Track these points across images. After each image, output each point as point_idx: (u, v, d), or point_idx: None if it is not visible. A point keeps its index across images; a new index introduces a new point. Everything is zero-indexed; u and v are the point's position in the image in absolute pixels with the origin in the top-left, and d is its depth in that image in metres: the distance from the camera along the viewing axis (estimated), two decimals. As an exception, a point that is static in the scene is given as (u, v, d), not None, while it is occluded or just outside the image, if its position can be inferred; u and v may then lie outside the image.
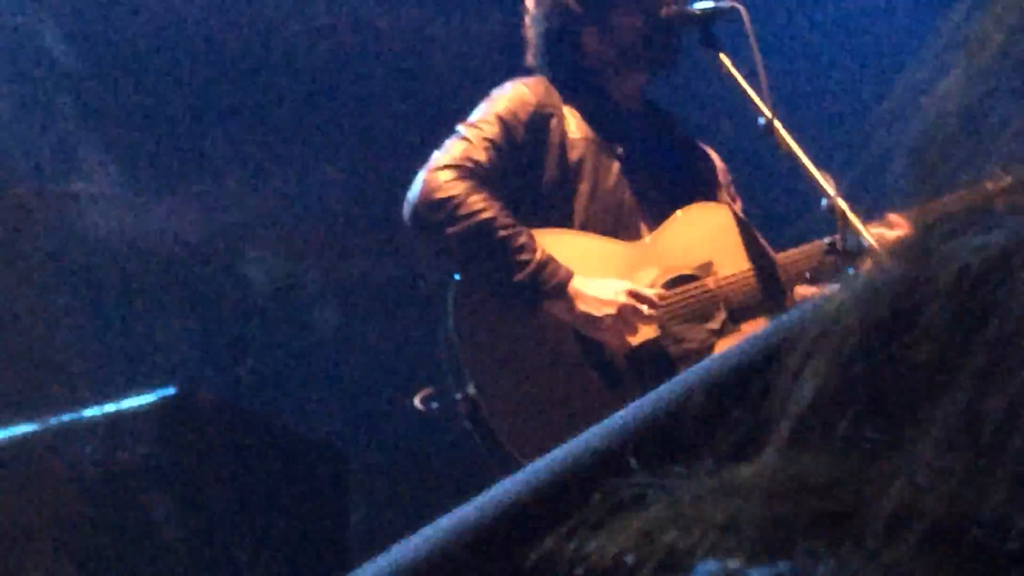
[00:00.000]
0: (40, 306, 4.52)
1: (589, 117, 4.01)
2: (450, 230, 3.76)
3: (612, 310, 3.75)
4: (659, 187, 4.03)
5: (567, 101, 4.02)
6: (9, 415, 4.23)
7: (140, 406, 3.88)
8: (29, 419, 4.04)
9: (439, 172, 3.82)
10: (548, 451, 3.50)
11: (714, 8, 3.91)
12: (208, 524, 3.90)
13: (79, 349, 5.54)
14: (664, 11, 3.97)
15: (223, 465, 3.94)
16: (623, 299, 3.76)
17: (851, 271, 3.59)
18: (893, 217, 3.60)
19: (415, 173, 3.87)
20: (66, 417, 3.98)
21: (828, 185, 3.56)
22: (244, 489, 3.99)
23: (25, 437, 4.02)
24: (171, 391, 3.89)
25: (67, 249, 5.85)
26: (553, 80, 4.05)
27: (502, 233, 3.75)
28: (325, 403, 6.03)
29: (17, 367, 4.98)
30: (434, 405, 3.80)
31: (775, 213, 4.45)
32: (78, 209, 4.37)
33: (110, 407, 3.92)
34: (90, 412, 3.95)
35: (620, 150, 4.01)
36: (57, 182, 4.39)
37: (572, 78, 4.06)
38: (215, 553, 3.91)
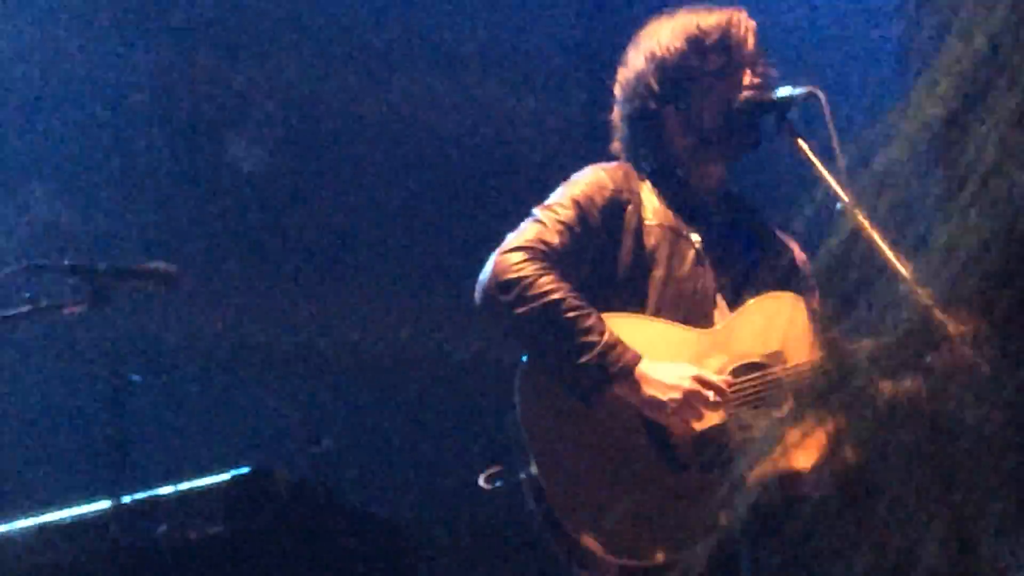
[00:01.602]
0: (116, 384, 4.57)
1: (667, 203, 4.01)
2: (518, 311, 3.77)
3: (678, 395, 3.73)
4: (734, 276, 4.01)
5: (646, 187, 4.02)
6: (83, 492, 4.26)
7: (214, 484, 3.89)
8: (103, 496, 4.07)
9: (511, 254, 3.83)
10: (609, 534, 3.45)
11: (791, 95, 3.90)
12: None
13: (156, 427, 5.58)
14: (741, 97, 3.97)
15: (295, 543, 3.94)
16: (689, 384, 3.74)
17: (927, 360, 3.55)
18: (966, 314, 3.55)
19: (490, 253, 3.88)
20: (139, 495, 4.00)
21: (907, 272, 3.52)
22: (315, 568, 3.99)
23: (99, 514, 4.04)
24: (245, 469, 3.90)
25: (145, 328, 5.91)
26: (634, 165, 4.06)
27: (570, 315, 3.75)
28: (398, 481, 6.03)
29: (92, 445, 5.02)
30: (498, 483, 3.79)
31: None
32: (157, 288, 4.41)
33: (184, 485, 3.94)
34: (163, 490, 3.97)
35: (697, 237, 3.99)
36: (137, 261, 4.44)
37: (653, 163, 4.07)
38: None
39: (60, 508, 4.21)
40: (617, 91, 4.14)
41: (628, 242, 3.94)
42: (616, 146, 4.15)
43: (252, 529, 3.88)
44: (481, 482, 3.80)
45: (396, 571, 4.28)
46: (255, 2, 6.41)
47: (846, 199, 3.77)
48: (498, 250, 3.86)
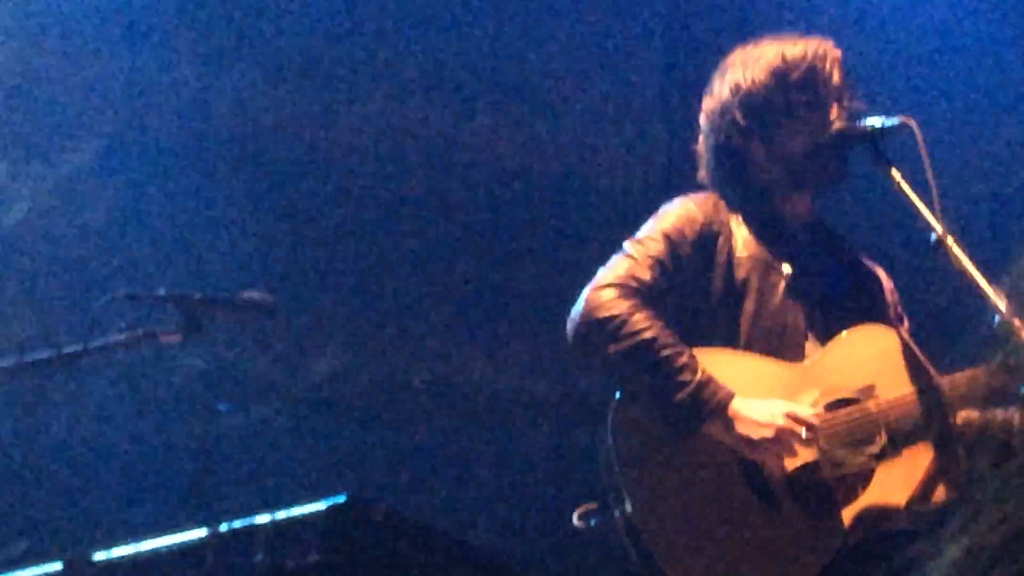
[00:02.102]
0: (205, 414, 4.61)
1: (757, 235, 3.99)
2: (612, 348, 3.77)
3: (770, 433, 3.72)
4: (825, 307, 3.99)
5: (735, 218, 4.01)
6: (179, 520, 4.29)
7: (310, 513, 3.91)
8: (199, 524, 4.10)
9: (603, 291, 3.82)
10: (704, 571, 3.46)
11: (884, 125, 3.88)
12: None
13: (250, 456, 5.62)
14: (832, 128, 3.94)
15: (391, 574, 3.96)
16: (781, 422, 3.73)
17: (1022, 390, 3.54)
18: None
19: (578, 288, 3.89)
20: (236, 523, 4.02)
21: (1001, 303, 3.50)
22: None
23: (195, 543, 4.07)
24: (342, 499, 3.91)
25: (236, 358, 5.96)
26: (722, 196, 4.05)
27: (664, 353, 3.74)
28: (491, 514, 6.03)
29: (182, 472, 5.06)
30: (592, 522, 3.79)
31: (943, 332, 4.40)
32: (252, 318, 4.45)
33: (280, 514, 3.96)
34: (260, 518, 3.99)
35: (787, 269, 3.98)
36: (228, 291, 4.48)
37: (741, 195, 4.05)
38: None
39: (154, 536, 4.24)
40: (702, 120, 4.11)
41: (719, 274, 3.93)
42: (703, 175, 4.14)
43: (348, 559, 3.89)
44: (575, 520, 3.81)
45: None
46: (340, 34, 6.46)
47: (940, 229, 3.76)
48: (590, 287, 3.86)
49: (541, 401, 6.30)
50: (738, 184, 4.06)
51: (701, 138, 4.13)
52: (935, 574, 1.28)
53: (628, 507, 3.73)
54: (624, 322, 3.77)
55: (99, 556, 4.23)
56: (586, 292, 3.86)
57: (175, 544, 4.12)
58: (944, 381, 3.89)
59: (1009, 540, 1.22)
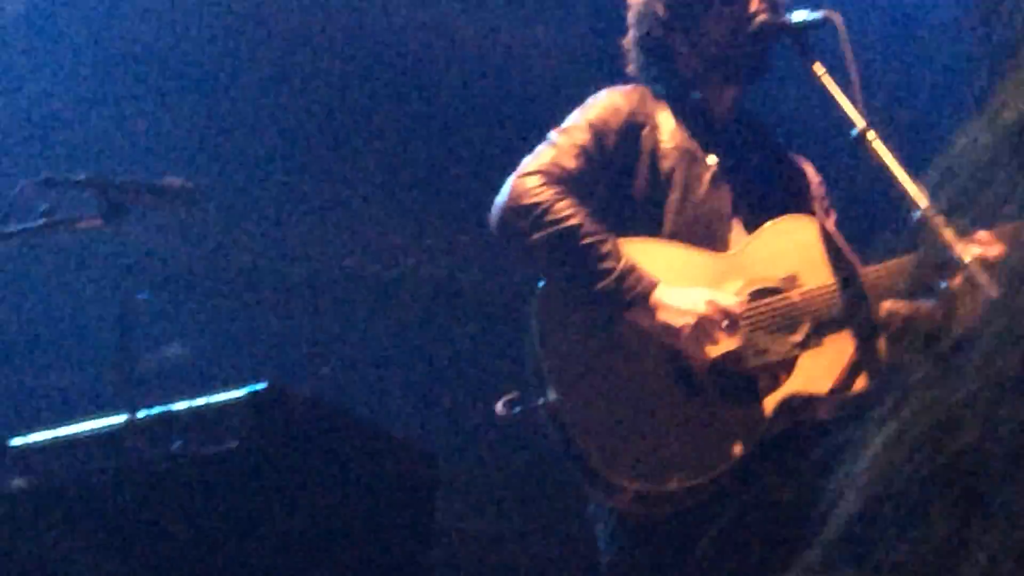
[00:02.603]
0: (125, 301, 4.58)
1: (683, 126, 4.01)
2: (535, 236, 3.77)
3: (691, 320, 3.72)
4: (751, 198, 4.01)
5: (662, 109, 4.02)
6: (99, 407, 4.28)
7: (230, 400, 3.91)
8: (119, 411, 4.09)
9: (527, 177, 3.83)
10: (625, 460, 3.50)
11: (807, 19, 3.89)
12: (293, 519, 3.92)
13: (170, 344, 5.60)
14: (755, 21, 3.96)
15: (311, 461, 3.97)
16: (703, 309, 3.74)
17: (943, 286, 3.57)
18: (982, 235, 3.53)
19: (504, 178, 3.89)
20: (155, 410, 4.02)
21: (922, 197, 3.52)
22: (331, 485, 4.02)
23: (113, 429, 4.07)
24: (262, 386, 3.91)
25: (157, 246, 5.93)
26: (649, 88, 4.05)
27: (587, 240, 3.75)
28: (413, 403, 6.06)
29: (101, 360, 5.03)
30: (516, 410, 3.80)
31: (866, 226, 4.43)
32: (174, 204, 4.41)
33: (200, 401, 3.95)
34: (180, 405, 3.98)
35: (713, 160, 3.99)
36: (150, 177, 4.44)
37: (667, 86, 4.07)
38: (301, 548, 3.94)
39: (74, 422, 4.23)
40: (629, 15, 4.15)
41: (644, 165, 3.94)
42: (632, 68, 4.15)
43: (267, 445, 3.90)
44: (499, 408, 3.81)
45: (410, 489, 4.31)
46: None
47: (861, 123, 3.77)
48: (514, 174, 3.86)
49: (466, 290, 6.31)
50: (664, 76, 4.08)
51: (629, 32, 4.14)
52: (861, 461, 1.29)
53: (552, 395, 3.73)
54: (547, 209, 3.77)
55: (16, 441, 4.22)
56: (510, 180, 3.86)
57: (93, 430, 4.11)
58: (867, 271, 3.91)
59: (934, 427, 1.24)
